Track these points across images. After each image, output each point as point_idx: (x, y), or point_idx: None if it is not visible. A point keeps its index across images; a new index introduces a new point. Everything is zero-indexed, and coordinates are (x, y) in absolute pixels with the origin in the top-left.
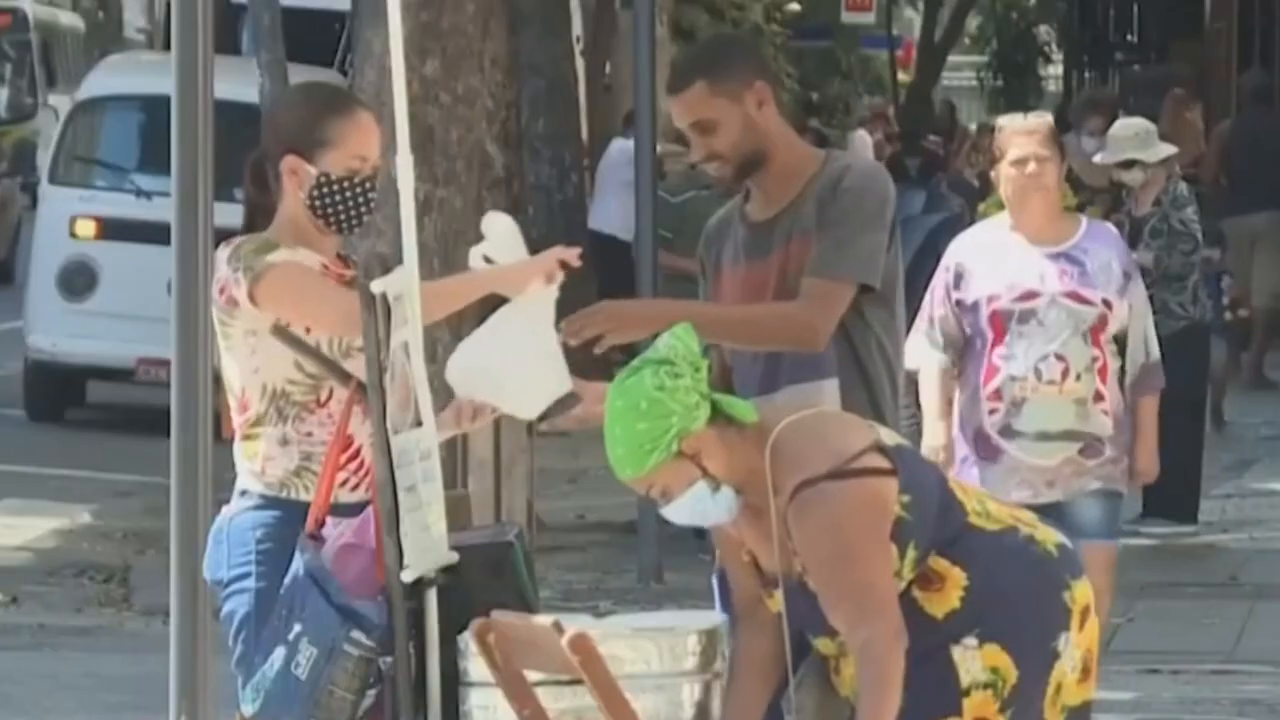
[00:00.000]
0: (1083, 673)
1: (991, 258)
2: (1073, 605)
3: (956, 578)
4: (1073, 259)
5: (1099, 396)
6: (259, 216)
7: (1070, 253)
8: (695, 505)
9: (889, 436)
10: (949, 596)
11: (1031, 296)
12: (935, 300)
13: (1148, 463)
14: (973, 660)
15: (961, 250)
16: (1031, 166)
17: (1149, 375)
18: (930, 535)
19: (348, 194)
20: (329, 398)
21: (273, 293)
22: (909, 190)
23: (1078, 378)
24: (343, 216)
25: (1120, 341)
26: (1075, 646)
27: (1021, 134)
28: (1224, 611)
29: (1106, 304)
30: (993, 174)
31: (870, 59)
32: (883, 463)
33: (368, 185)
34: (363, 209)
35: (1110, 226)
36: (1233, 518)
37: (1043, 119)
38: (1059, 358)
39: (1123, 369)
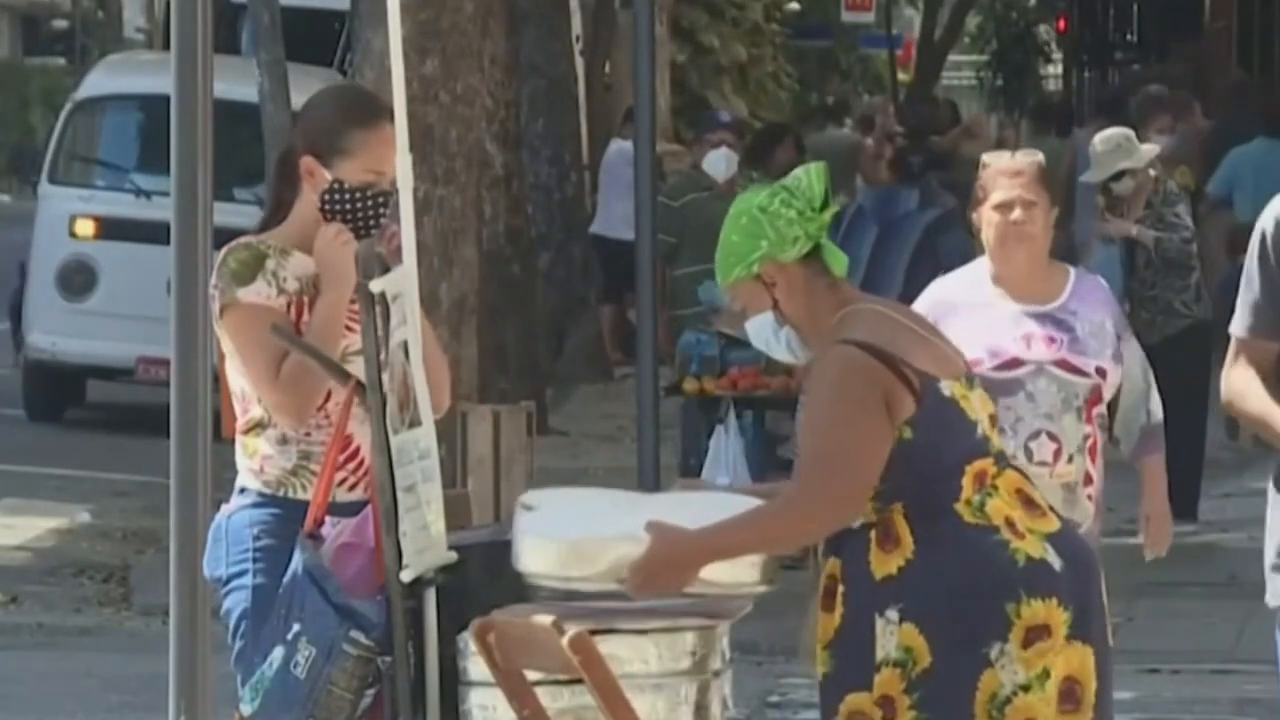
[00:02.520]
0: (1064, 700)
1: (970, 316)
2: (1016, 619)
3: (906, 547)
4: (1061, 322)
5: (1088, 479)
6: (280, 212)
7: (1057, 315)
8: (762, 332)
9: (954, 387)
10: (892, 562)
11: (1015, 364)
12: None
13: (1160, 527)
14: (890, 636)
15: (936, 304)
16: (1017, 212)
17: (1151, 438)
18: (904, 486)
19: (358, 204)
20: (327, 399)
21: (228, 329)
22: (903, 188)
23: (1070, 459)
24: (350, 224)
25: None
26: (1022, 664)
27: (1008, 174)
28: (1224, 611)
29: (1100, 373)
30: (974, 215)
31: (870, 58)
32: (914, 382)
33: (380, 199)
34: (371, 221)
35: (1100, 280)
36: (1233, 517)
37: (1032, 158)
38: (1051, 436)
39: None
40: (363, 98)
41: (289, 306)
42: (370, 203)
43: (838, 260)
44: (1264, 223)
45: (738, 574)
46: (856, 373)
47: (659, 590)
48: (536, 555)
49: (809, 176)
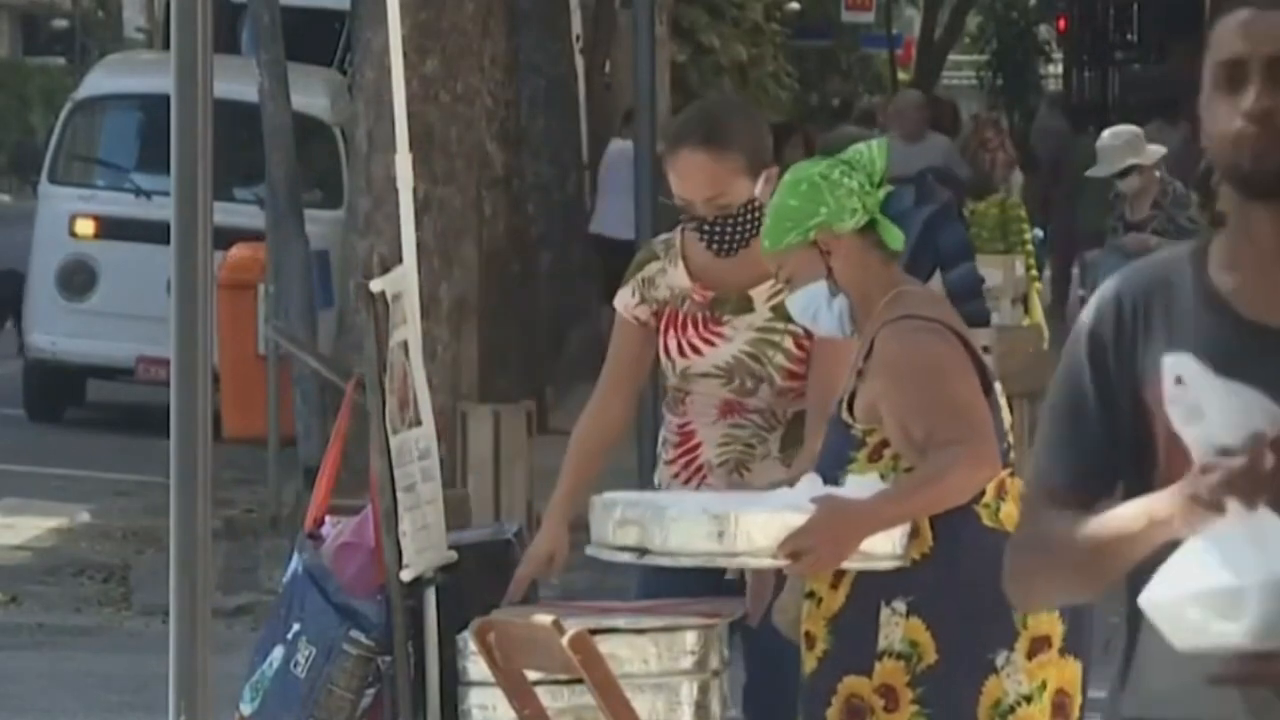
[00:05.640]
0: (1055, 713)
1: None
2: (1022, 629)
3: (925, 540)
4: None
5: None
6: None
7: None
8: (810, 303)
9: (998, 389)
10: (908, 553)
11: None
12: None
13: None
14: (895, 627)
15: None
16: None
17: None
18: None
19: (695, 225)
20: (686, 397)
21: None
22: (898, 187)
23: None
24: (704, 242)
25: None
26: (1025, 674)
27: None
28: None
29: None
30: None
31: (870, 58)
32: (987, 372)
33: (709, 220)
34: (711, 238)
35: None
36: None
37: None
38: None
39: None
40: (676, 125)
41: (655, 315)
42: (709, 223)
43: (893, 236)
44: (1092, 318)
45: (894, 544)
46: (943, 341)
47: (821, 561)
48: (694, 531)
49: (871, 151)
